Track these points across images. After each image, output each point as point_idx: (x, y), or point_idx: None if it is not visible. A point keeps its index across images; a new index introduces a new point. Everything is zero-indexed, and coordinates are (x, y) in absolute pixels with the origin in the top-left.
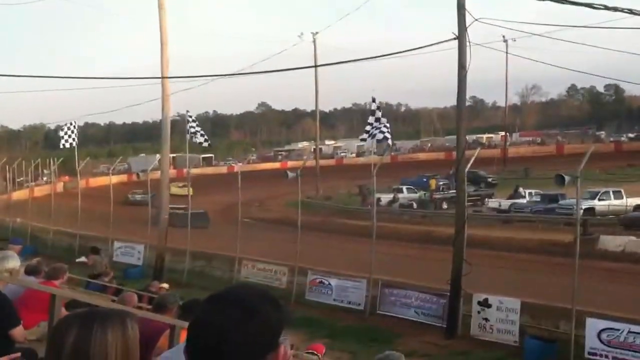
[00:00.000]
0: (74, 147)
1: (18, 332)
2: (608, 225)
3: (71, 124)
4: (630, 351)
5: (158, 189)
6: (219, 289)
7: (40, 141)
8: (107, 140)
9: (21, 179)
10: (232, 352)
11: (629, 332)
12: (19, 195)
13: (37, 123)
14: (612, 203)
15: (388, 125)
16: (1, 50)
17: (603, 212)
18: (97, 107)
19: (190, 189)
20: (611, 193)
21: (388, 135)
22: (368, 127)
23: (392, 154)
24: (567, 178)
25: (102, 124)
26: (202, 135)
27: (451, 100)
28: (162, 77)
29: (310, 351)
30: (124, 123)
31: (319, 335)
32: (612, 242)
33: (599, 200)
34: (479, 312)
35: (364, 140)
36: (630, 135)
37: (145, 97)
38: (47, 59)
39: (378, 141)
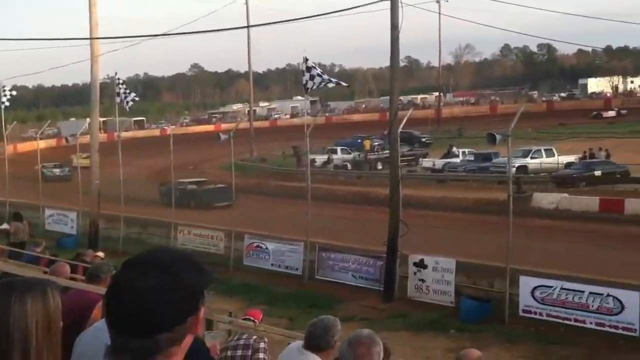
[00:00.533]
0: (1, 109)
1: None
2: (541, 183)
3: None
4: (564, 308)
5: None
6: (137, 253)
7: None
8: (35, 104)
9: None
10: (153, 319)
11: (562, 288)
12: None
13: None
14: (545, 161)
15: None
16: None
17: (536, 170)
18: (26, 69)
19: (91, 160)
20: (543, 151)
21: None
22: (306, 80)
23: (327, 115)
24: (498, 137)
25: (30, 87)
26: (131, 98)
27: (386, 61)
28: (90, 38)
29: (247, 317)
30: (53, 86)
31: (258, 301)
32: (545, 199)
33: (531, 158)
34: (415, 274)
35: (307, 89)
36: (562, 94)
37: (74, 59)
38: None
39: (320, 85)
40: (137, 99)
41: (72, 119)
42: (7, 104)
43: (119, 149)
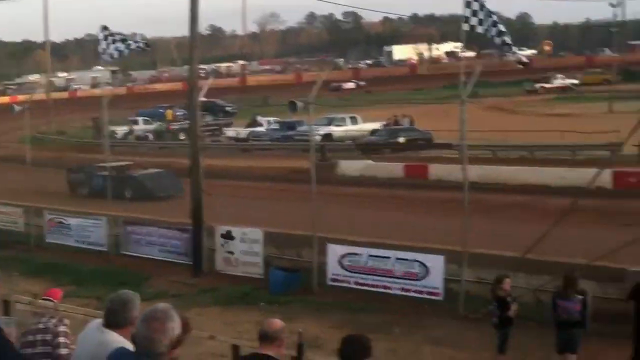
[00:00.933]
0: None
1: None
2: (346, 151)
3: None
4: (371, 275)
5: None
6: None
7: None
8: None
9: None
10: None
11: (369, 256)
12: None
13: None
14: (350, 129)
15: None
16: None
17: (341, 138)
18: None
19: None
20: (348, 119)
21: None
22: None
23: (128, 85)
24: (299, 104)
25: None
26: None
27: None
28: None
29: (46, 297)
30: None
31: (64, 281)
32: (350, 167)
33: (336, 126)
34: (222, 246)
35: (110, 55)
36: (368, 61)
37: None
38: None
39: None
40: None
41: None
42: None
43: None
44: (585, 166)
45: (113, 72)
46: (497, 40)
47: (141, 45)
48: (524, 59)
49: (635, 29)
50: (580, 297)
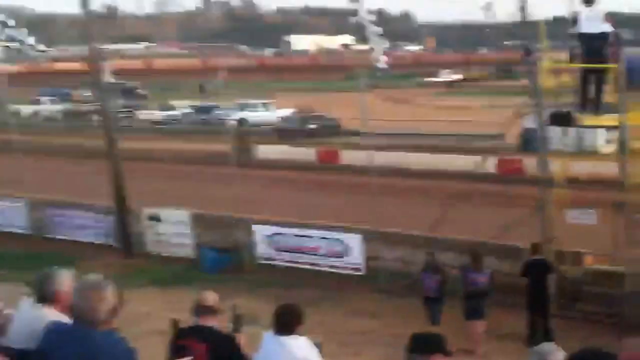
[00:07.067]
0: None
1: None
2: (262, 135)
3: None
4: (298, 253)
5: None
6: None
7: None
8: None
9: None
10: None
11: (295, 235)
12: None
13: None
14: (262, 114)
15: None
16: None
17: (256, 123)
18: None
19: None
20: (260, 105)
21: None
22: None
23: (27, 63)
24: (208, 87)
25: None
26: None
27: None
28: None
29: None
30: None
31: None
32: (268, 151)
33: (249, 111)
34: (151, 228)
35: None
36: (271, 50)
37: None
38: None
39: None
40: None
41: None
42: None
43: None
44: (473, 154)
45: (6, 47)
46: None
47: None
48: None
49: (508, 30)
50: (488, 270)
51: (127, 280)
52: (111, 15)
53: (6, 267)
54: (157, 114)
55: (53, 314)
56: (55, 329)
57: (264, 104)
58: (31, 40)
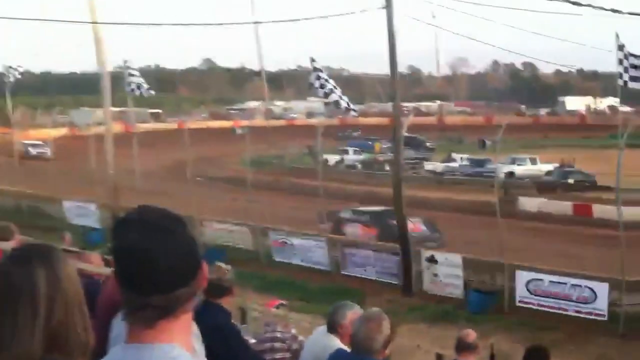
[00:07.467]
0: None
1: None
2: (525, 188)
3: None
4: (551, 298)
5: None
6: (126, 213)
7: None
8: (44, 91)
9: None
10: (174, 276)
11: (550, 282)
12: None
13: None
14: (529, 168)
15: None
16: None
17: (522, 176)
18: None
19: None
20: (528, 159)
21: (340, 98)
22: (317, 84)
23: (340, 117)
24: (488, 143)
25: (37, 72)
26: (144, 88)
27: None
28: (93, 22)
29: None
30: (62, 72)
31: (293, 297)
32: (529, 203)
33: (518, 165)
34: (428, 268)
35: (326, 95)
36: (546, 109)
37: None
38: None
39: (336, 106)
40: (152, 92)
41: (85, 108)
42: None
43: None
44: None
45: (326, 103)
46: None
47: (350, 109)
48: None
49: None
50: None
51: (402, 316)
52: (413, 75)
53: (307, 299)
54: (439, 165)
55: (339, 343)
56: (336, 355)
57: (531, 158)
58: (345, 98)
